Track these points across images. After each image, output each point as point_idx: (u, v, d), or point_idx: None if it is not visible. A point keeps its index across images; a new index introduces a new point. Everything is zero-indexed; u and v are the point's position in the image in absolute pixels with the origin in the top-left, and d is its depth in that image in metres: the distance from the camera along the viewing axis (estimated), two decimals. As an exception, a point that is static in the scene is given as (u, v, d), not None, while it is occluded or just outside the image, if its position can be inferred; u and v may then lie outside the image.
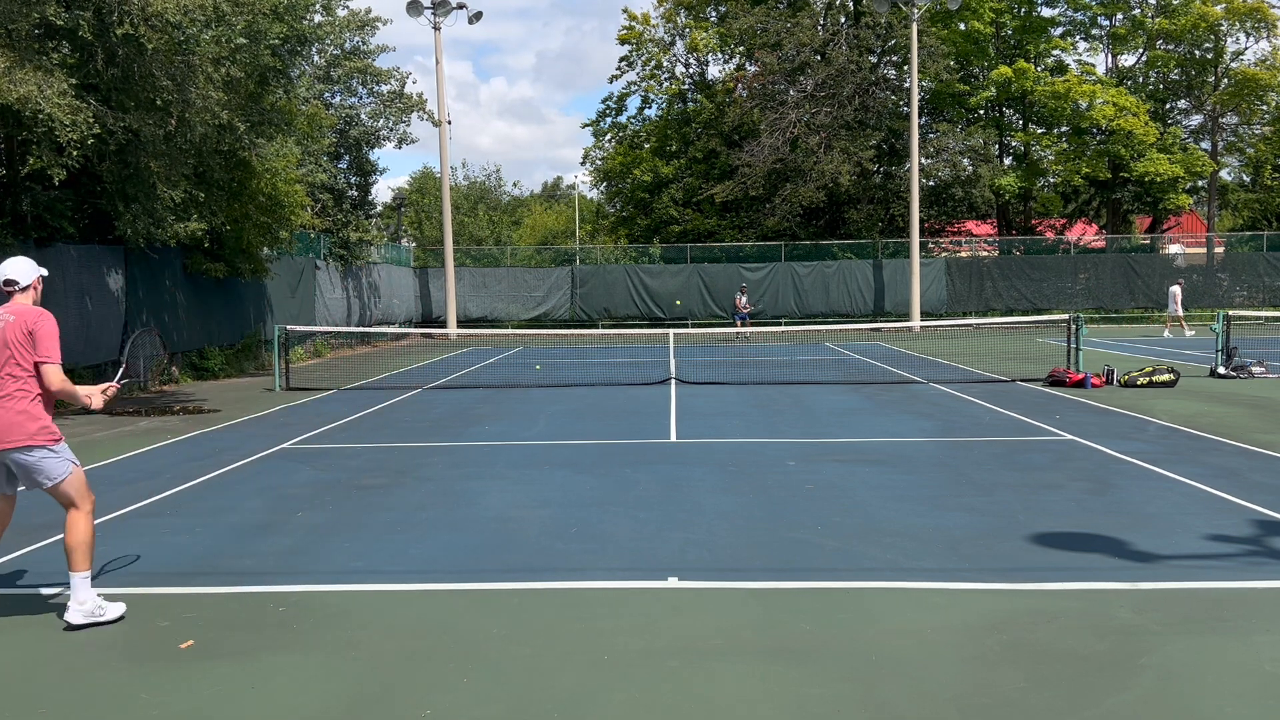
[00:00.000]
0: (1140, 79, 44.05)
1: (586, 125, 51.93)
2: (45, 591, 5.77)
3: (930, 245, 41.68)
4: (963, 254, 43.10)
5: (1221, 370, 16.97)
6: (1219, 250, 42.13)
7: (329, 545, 6.71)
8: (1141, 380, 15.49)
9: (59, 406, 5.72)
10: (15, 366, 5.05)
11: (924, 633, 4.90)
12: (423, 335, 33.86)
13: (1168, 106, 44.32)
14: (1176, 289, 29.19)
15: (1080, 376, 15.64)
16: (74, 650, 4.86)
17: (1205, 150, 42.53)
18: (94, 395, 5.42)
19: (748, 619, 5.14)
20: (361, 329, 27.50)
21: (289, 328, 18.64)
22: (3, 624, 5.26)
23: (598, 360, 23.05)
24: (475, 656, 4.68)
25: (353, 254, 29.74)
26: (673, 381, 17.00)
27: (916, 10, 34.89)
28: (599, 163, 48.02)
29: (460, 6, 33.42)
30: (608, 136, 48.17)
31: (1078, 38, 45.21)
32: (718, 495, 8.05)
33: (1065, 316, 18.13)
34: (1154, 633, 4.87)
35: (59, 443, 5.15)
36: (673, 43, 45.40)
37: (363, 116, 29.99)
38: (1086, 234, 46.89)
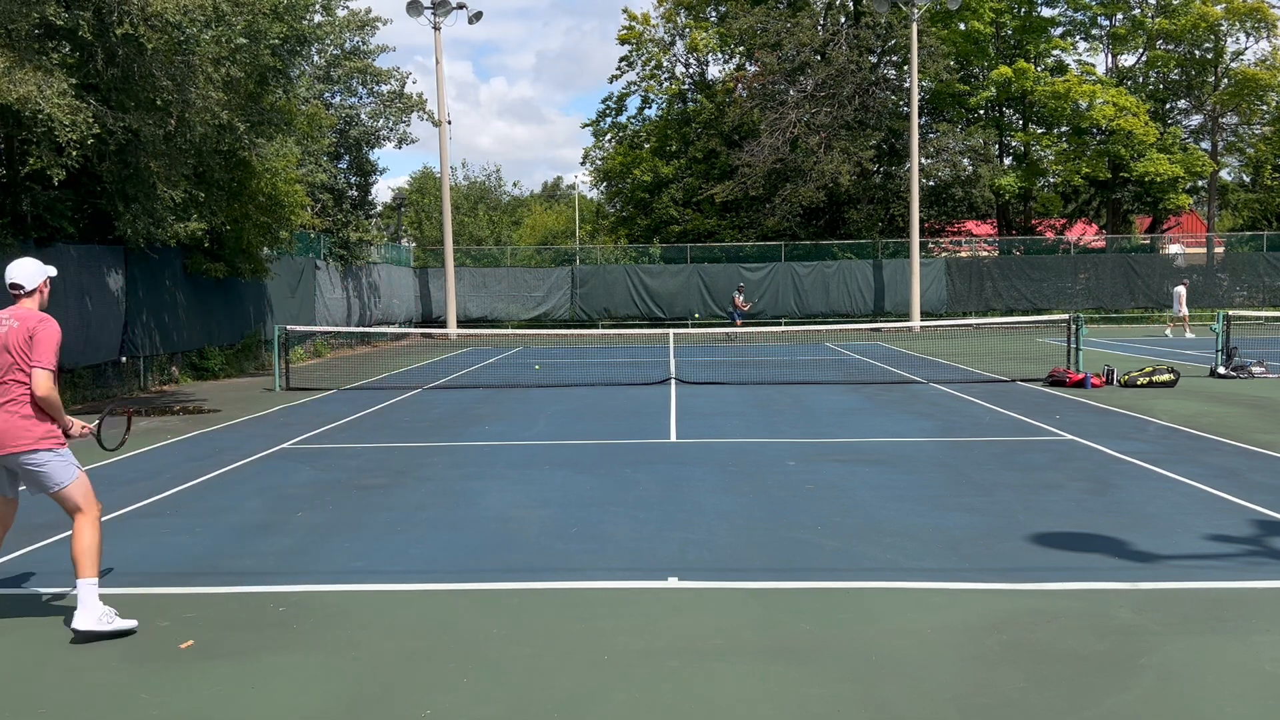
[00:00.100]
0: (1140, 79, 44.04)
1: (586, 125, 52.00)
2: (45, 592, 5.77)
3: (930, 245, 41.66)
4: (963, 254, 43.08)
5: (1221, 370, 16.97)
6: (1219, 250, 42.12)
7: (329, 545, 6.71)
8: (1141, 380, 15.49)
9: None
10: (19, 372, 4.98)
11: (924, 633, 4.90)
12: (423, 335, 33.83)
13: (1168, 106, 44.31)
14: (1181, 289, 29.14)
15: (1080, 376, 15.64)
16: (74, 650, 4.85)
17: (1205, 150, 42.52)
18: (75, 424, 5.26)
19: (748, 619, 5.14)
20: (361, 329, 27.49)
21: (289, 328, 18.64)
22: (3, 624, 5.26)
23: (598, 360, 23.04)
24: (475, 656, 4.69)
25: (353, 254, 29.72)
26: (673, 381, 17.00)
27: (916, 10, 34.87)
28: (599, 163, 48.01)
29: (460, 6, 33.41)
30: (608, 136, 48.18)
31: (1078, 38, 45.21)
32: (718, 495, 8.05)
33: (1065, 316, 18.13)
34: (1154, 633, 4.87)
35: (63, 448, 5.12)
36: (673, 43, 45.41)
37: (363, 116, 29.98)
38: (1086, 234, 46.87)
